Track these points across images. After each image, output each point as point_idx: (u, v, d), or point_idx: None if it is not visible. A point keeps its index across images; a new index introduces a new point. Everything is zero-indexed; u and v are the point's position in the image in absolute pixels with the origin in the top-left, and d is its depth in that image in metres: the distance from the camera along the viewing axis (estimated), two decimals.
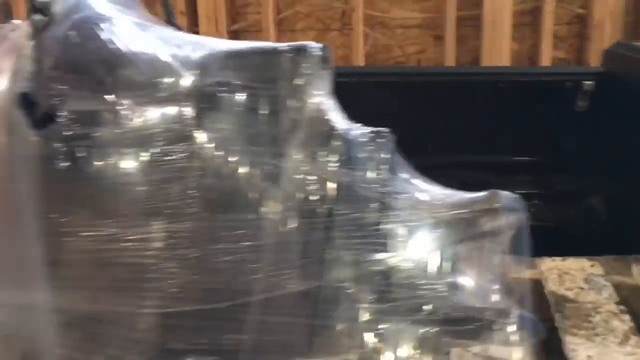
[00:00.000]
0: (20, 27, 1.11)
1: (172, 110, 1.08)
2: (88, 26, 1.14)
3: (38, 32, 1.09)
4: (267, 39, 3.59)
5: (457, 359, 1.22)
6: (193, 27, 3.59)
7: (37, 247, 1.03)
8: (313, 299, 1.05)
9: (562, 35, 3.56)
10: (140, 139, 1.07)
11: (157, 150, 1.07)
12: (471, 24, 3.59)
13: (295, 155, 1.07)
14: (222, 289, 1.04)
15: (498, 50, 3.49)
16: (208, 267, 1.04)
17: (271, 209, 1.05)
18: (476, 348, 1.22)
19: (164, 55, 1.12)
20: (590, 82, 2.14)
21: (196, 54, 1.13)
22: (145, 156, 1.06)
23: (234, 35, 3.73)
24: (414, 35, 3.72)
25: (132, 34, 1.16)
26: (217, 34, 3.56)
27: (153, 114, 1.08)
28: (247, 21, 3.82)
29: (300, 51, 1.10)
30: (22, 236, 1.03)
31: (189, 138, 1.07)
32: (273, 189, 1.05)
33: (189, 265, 1.05)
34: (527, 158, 2.31)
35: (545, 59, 3.46)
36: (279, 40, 3.67)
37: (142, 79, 1.10)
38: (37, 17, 1.09)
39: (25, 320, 1.06)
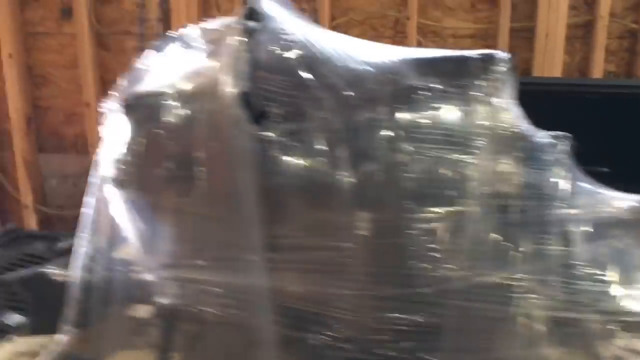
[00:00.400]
0: (230, 29, 1.20)
1: (371, 109, 1.17)
2: (282, 31, 1.23)
3: (252, 36, 1.18)
4: None
5: (604, 350, 1.30)
6: None
7: (256, 232, 1.12)
8: (503, 289, 1.14)
9: (613, 49, 3.64)
10: (344, 137, 1.16)
11: (360, 146, 1.16)
12: (524, 35, 3.67)
13: (485, 155, 1.16)
14: (421, 276, 1.13)
15: (550, 63, 3.58)
16: (408, 255, 1.13)
17: (465, 204, 1.14)
18: (622, 342, 1.30)
19: (357, 60, 1.21)
20: None
21: (387, 60, 1.22)
22: (349, 151, 1.15)
23: None
24: (465, 45, 3.79)
25: (318, 38, 1.25)
26: None
27: (355, 114, 1.17)
28: None
29: (490, 59, 1.19)
30: (242, 222, 1.12)
31: (389, 135, 1.16)
32: (466, 186, 1.14)
33: (392, 251, 1.14)
34: (607, 169, 2.37)
35: (597, 72, 3.55)
36: None
37: (341, 81, 1.18)
38: (252, 23, 1.18)
39: (244, 301, 1.14)
